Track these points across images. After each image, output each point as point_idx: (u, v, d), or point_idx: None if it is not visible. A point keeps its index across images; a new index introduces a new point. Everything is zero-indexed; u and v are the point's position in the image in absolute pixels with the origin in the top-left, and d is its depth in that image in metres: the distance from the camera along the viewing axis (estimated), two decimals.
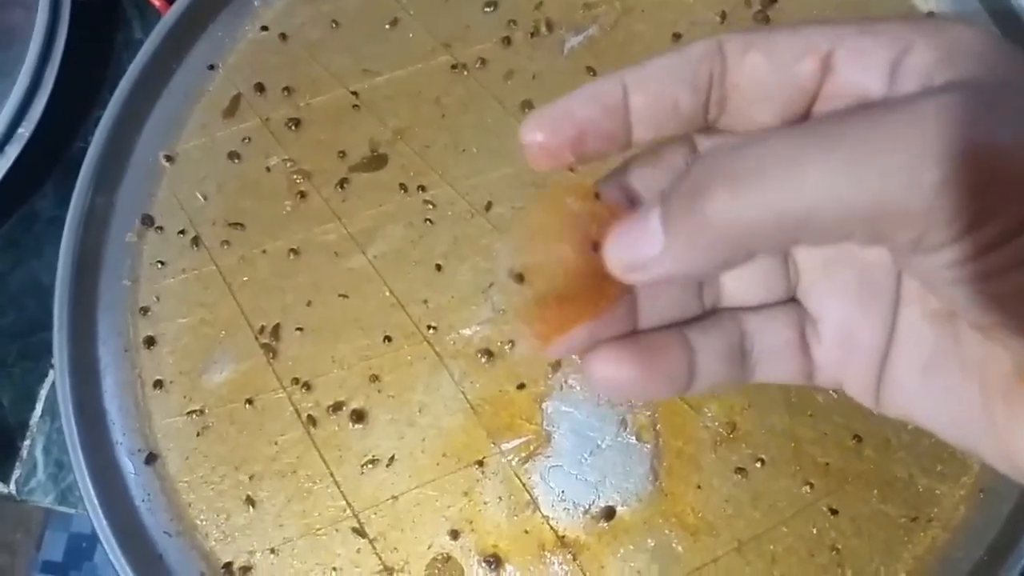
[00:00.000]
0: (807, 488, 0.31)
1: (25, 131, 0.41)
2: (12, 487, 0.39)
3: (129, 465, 0.36)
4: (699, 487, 0.32)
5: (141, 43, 0.45)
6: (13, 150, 0.41)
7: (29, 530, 1.23)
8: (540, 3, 0.40)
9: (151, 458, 0.36)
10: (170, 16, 0.40)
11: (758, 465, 0.32)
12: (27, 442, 0.39)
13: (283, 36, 0.42)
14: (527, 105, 0.39)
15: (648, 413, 0.33)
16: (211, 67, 0.42)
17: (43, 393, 0.40)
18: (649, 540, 0.32)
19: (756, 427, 0.32)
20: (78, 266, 0.38)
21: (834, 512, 0.31)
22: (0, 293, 0.42)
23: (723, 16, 0.38)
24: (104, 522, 0.34)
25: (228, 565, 0.34)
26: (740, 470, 0.32)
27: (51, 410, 0.40)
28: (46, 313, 0.41)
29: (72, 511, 0.38)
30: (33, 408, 0.40)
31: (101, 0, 0.45)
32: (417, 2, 0.42)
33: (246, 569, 0.34)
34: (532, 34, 0.40)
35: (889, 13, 0.37)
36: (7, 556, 1.20)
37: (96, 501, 0.34)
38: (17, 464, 0.39)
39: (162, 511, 0.35)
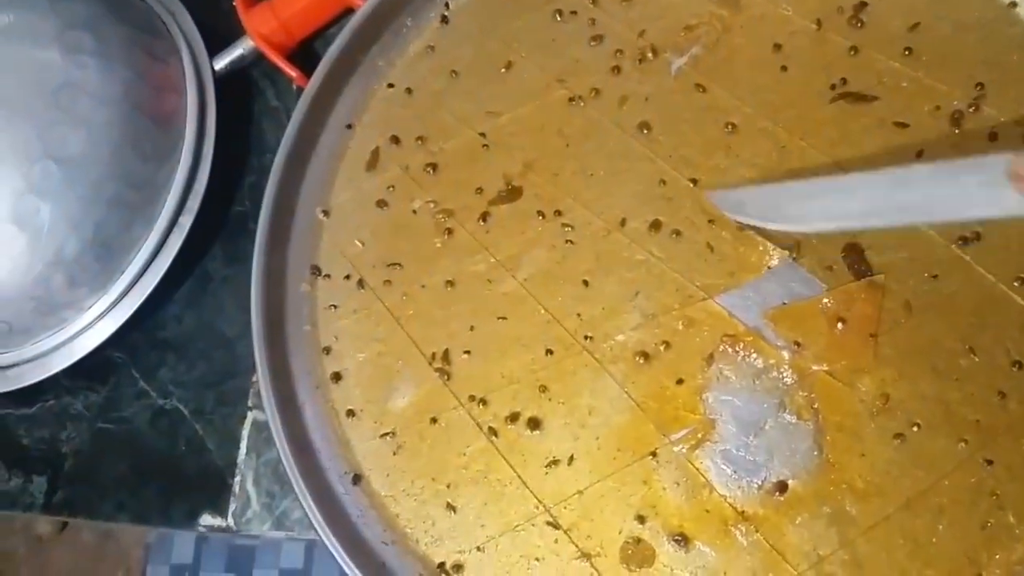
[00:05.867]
0: (962, 444, 0.35)
1: (193, 203, 0.47)
2: (230, 520, 0.44)
3: (339, 487, 0.41)
4: (863, 455, 0.36)
5: (277, 110, 0.50)
6: (187, 220, 0.46)
7: (129, 568, 1.29)
8: (643, 31, 0.44)
9: (356, 479, 0.41)
10: (311, 87, 0.45)
11: (914, 429, 0.35)
12: (237, 479, 0.45)
13: (408, 90, 0.47)
14: (644, 126, 0.43)
15: (804, 394, 0.37)
16: (349, 126, 0.47)
17: (244, 433, 0.45)
18: (824, 507, 0.35)
19: (908, 396, 0.36)
20: (267, 318, 0.43)
21: (989, 462, 0.34)
22: (189, 348, 0.47)
23: (819, 23, 0.42)
24: (333, 538, 0.38)
25: (441, 565, 0.39)
26: (898, 435, 0.35)
27: (254, 447, 0.45)
28: (234, 362, 0.46)
29: (291, 534, 0.43)
30: (238, 448, 0.45)
31: (234, 75, 0.49)
32: (527, 45, 0.46)
33: (458, 567, 0.39)
34: (639, 60, 0.44)
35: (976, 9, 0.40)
36: None
37: (321, 520, 0.39)
38: (231, 499, 0.44)
39: (375, 524, 0.40)
